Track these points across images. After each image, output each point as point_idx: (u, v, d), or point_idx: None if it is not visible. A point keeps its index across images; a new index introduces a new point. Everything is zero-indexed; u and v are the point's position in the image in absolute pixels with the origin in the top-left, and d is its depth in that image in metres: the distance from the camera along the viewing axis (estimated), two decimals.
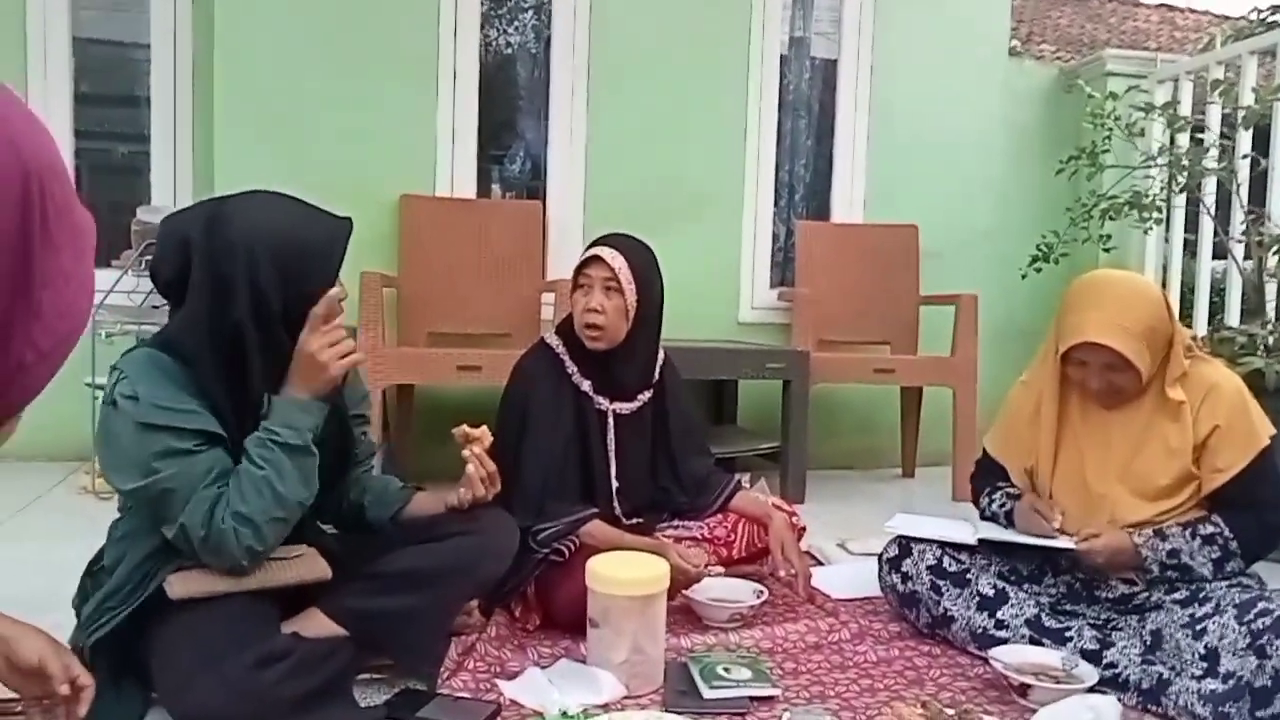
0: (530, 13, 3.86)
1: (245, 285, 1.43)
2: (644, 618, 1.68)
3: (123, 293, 3.25)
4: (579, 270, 2.04)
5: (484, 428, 1.72)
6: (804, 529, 2.24)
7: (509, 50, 3.92)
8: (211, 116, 3.32)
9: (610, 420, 2.10)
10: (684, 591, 2.01)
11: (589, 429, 2.08)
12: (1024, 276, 3.64)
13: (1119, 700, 1.62)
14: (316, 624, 1.51)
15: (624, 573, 1.71)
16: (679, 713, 1.56)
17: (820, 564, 2.51)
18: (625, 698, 1.63)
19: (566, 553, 1.93)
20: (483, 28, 3.62)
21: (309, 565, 1.53)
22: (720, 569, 2.11)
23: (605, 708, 1.58)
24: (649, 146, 3.71)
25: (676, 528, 2.22)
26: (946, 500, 3.34)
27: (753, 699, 1.62)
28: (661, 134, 3.73)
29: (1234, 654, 1.58)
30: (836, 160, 4.13)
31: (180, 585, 1.42)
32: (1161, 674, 1.66)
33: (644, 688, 1.66)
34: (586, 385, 2.08)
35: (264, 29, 3.30)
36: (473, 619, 1.87)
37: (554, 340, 2.13)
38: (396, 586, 1.55)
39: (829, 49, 4.16)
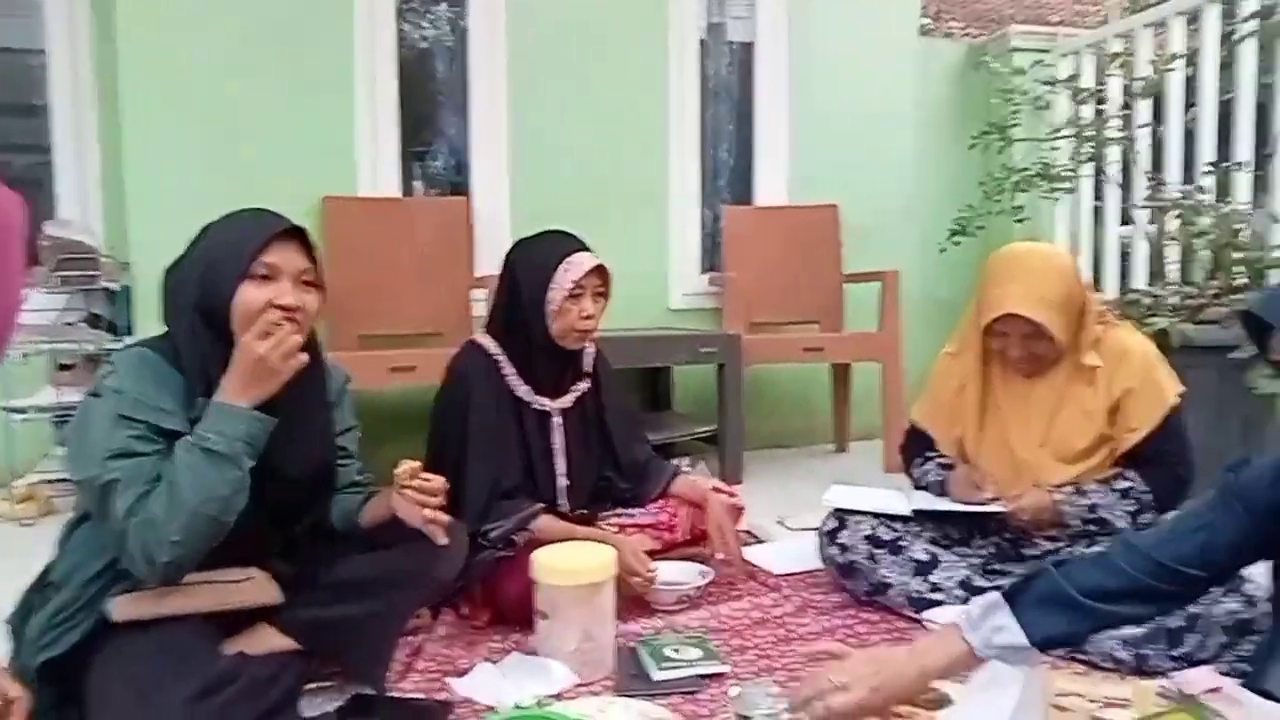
0: (444, 4, 3.81)
1: (193, 289, 1.44)
2: (592, 606, 1.70)
3: (36, 310, 3.14)
4: (574, 279, 2.00)
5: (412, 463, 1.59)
6: (743, 509, 2.29)
7: (425, 44, 3.87)
8: (119, 124, 3.21)
9: (554, 420, 2.12)
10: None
11: (529, 431, 2.08)
12: (943, 250, 3.73)
13: None
14: (265, 639, 1.49)
15: (569, 563, 1.72)
16: (631, 696, 1.59)
17: (760, 542, 2.56)
18: (577, 685, 1.65)
19: (514, 546, 1.93)
20: (397, 22, 3.57)
21: (259, 589, 1.49)
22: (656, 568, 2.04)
23: (558, 697, 1.60)
24: (572, 137, 3.71)
25: (620, 515, 2.24)
26: (879, 472, 3.43)
27: (702, 677, 1.66)
28: (584, 124, 3.73)
29: None
30: (758, 144, 4.18)
31: (123, 607, 1.37)
32: None
33: (595, 674, 1.68)
34: (524, 390, 2.09)
35: (171, 33, 3.19)
36: (420, 619, 1.87)
37: (486, 340, 2.13)
38: (349, 595, 1.53)
39: (746, 32, 4.20)
